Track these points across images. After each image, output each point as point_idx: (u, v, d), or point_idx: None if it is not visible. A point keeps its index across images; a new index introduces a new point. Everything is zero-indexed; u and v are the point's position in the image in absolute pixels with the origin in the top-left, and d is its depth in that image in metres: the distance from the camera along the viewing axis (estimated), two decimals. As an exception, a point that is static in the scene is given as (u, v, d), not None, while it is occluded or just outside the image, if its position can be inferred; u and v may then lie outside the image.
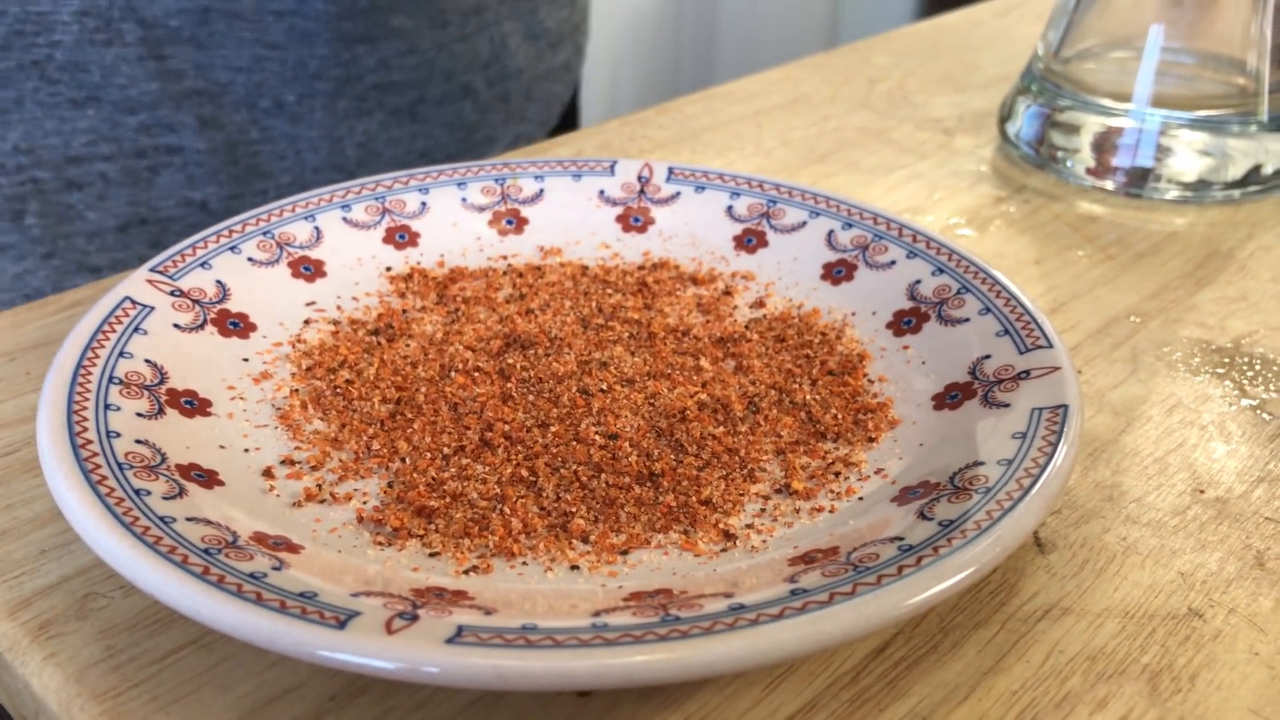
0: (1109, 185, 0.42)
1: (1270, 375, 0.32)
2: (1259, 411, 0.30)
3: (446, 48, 0.55)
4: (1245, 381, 0.31)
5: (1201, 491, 0.27)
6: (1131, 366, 0.32)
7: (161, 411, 0.26)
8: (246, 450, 0.26)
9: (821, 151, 0.45)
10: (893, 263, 0.32)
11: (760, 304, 0.33)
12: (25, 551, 0.25)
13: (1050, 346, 0.27)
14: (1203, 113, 0.42)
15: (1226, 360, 0.32)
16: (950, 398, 0.28)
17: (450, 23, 0.54)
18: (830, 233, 0.34)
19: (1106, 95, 0.42)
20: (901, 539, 0.22)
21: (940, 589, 0.20)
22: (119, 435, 0.25)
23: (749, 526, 0.25)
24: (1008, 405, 0.26)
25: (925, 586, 0.20)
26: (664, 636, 0.19)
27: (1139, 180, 0.42)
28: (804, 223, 0.35)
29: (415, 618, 0.20)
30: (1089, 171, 0.42)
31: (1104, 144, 0.42)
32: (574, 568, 0.24)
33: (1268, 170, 0.42)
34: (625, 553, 0.24)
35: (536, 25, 0.60)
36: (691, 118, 0.48)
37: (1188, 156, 0.42)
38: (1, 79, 0.45)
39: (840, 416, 0.28)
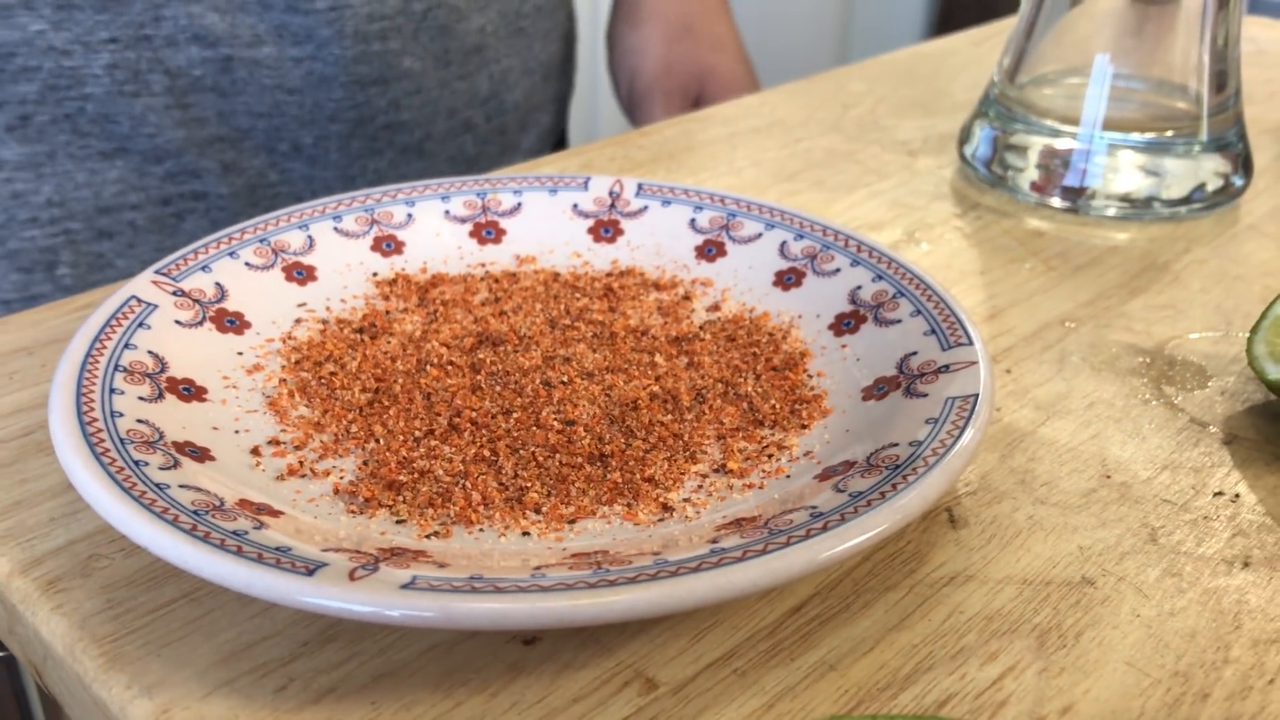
0: (1055, 202, 0.45)
1: (1186, 375, 0.34)
2: (1171, 407, 0.33)
3: (449, 86, 0.57)
4: (1162, 380, 0.34)
5: (1108, 476, 0.30)
6: (1058, 367, 0.34)
7: (161, 396, 0.29)
8: (237, 432, 0.29)
9: (790, 171, 0.48)
10: (838, 270, 0.35)
11: (716, 307, 0.36)
12: (37, 519, 0.28)
13: (970, 344, 0.30)
14: (1147, 135, 0.45)
15: (1147, 361, 0.35)
16: (878, 390, 0.30)
17: (453, 62, 0.57)
18: (783, 243, 0.37)
19: (1057, 119, 0.45)
20: (815, 508, 0.25)
21: (841, 549, 0.23)
22: (122, 415, 0.27)
23: (686, 500, 0.27)
24: (926, 395, 0.29)
25: (828, 547, 0.23)
26: (593, 585, 0.22)
27: (1083, 198, 0.44)
28: (760, 234, 0.37)
29: (376, 569, 0.23)
30: (1034, 188, 0.45)
31: (1050, 164, 0.45)
32: (525, 534, 0.26)
33: (1208, 189, 0.45)
34: (573, 522, 0.27)
35: (532, 60, 0.63)
36: (670, 140, 0.51)
37: (1131, 176, 0.44)
38: (35, 134, 0.48)
39: (778, 406, 0.31)
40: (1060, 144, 0.45)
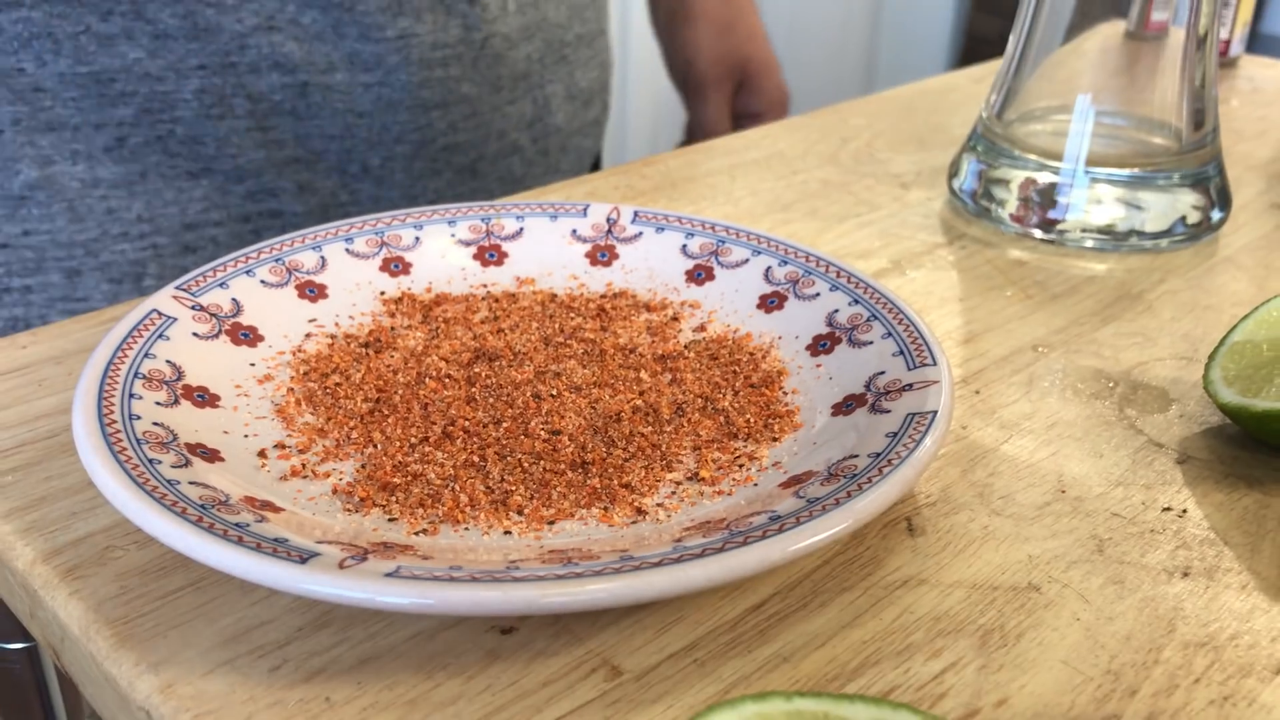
0: (1036, 234, 0.46)
1: (1148, 399, 0.36)
2: (1131, 428, 0.34)
3: (500, 110, 0.61)
4: (1125, 404, 0.36)
5: (1063, 491, 0.31)
6: (1026, 389, 0.36)
7: (177, 402, 0.31)
8: (246, 436, 0.31)
9: (785, 201, 0.50)
10: (817, 294, 0.37)
11: (702, 328, 0.38)
12: (59, 513, 0.30)
13: (934, 364, 0.32)
14: (1128, 170, 0.46)
15: (1113, 385, 0.37)
16: (846, 406, 0.32)
17: (504, 87, 0.60)
18: (768, 269, 0.39)
19: (1041, 154, 0.47)
20: (775, 512, 0.27)
21: (793, 550, 0.25)
22: (139, 418, 0.30)
23: (659, 505, 0.29)
24: (889, 411, 0.31)
25: (781, 547, 0.25)
26: (562, 576, 0.24)
27: (1064, 230, 0.46)
28: (746, 260, 0.39)
29: (364, 559, 0.25)
30: (1015, 219, 0.47)
31: (1032, 196, 0.47)
32: (507, 533, 0.28)
33: (1186, 222, 0.46)
34: (552, 523, 0.29)
35: (573, 86, 0.67)
36: (673, 170, 0.53)
37: (1112, 209, 0.46)
38: (129, 154, 0.51)
39: (753, 420, 0.33)
40: (1043, 178, 0.47)
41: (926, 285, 0.43)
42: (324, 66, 0.53)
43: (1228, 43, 0.70)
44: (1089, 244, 0.46)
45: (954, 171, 0.50)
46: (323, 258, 0.39)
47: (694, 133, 0.79)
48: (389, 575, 0.24)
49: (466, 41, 0.57)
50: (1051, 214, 0.46)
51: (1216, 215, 0.47)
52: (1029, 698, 0.25)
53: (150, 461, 0.28)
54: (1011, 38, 0.48)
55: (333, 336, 0.37)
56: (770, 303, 0.38)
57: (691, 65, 0.77)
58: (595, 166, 0.74)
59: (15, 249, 0.51)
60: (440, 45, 0.56)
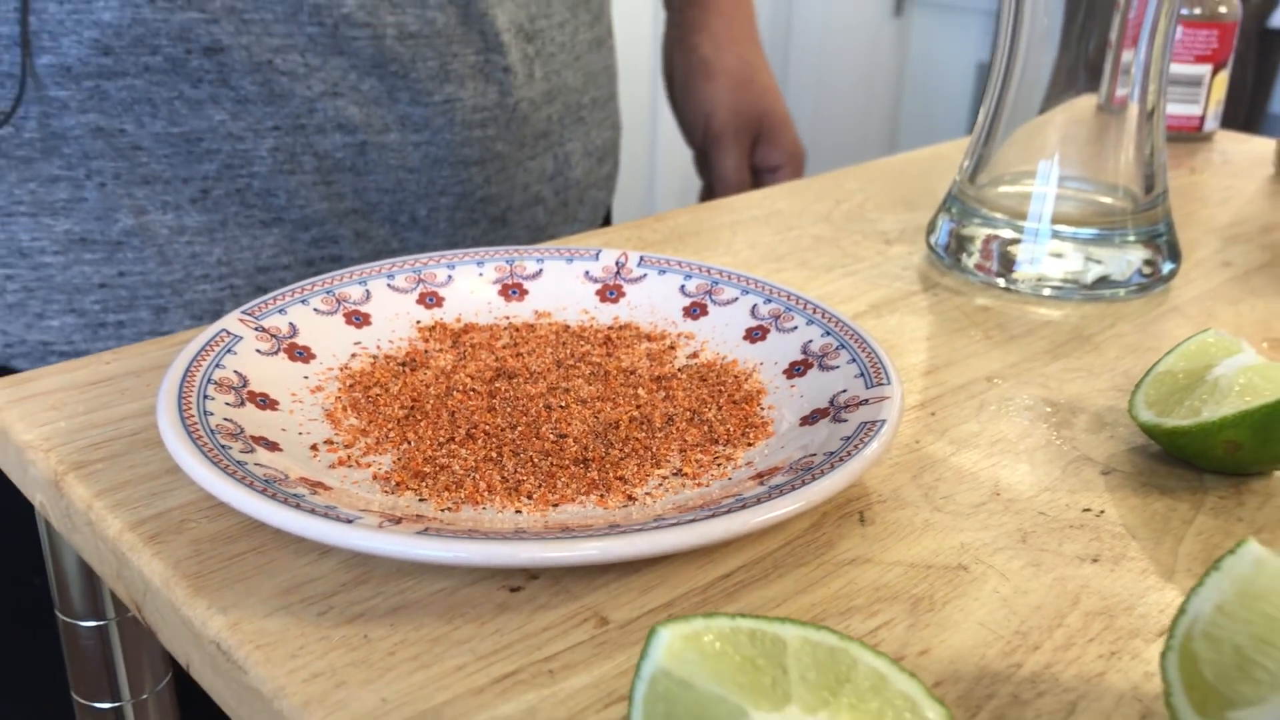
0: (1001, 283, 0.52)
1: (1084, 422, 0.41)
2: (1064, 445, 0.39)
3: (524, 165, 0.67)
4: (1062, 426, 0.41)
5: (998, 494, 0.36)
6: (977, 412, 0.41)
7: (243, 404, 0.37)
8: (300, 433, 0.37)
9: (779, 254, 0.55)
10: (795, 328, 0.43)
11: (695, 355, 0.43)
12: (141, 493, 0.35)
13: (888, 384, 0.37)
14: (1086, 228, 0.52)
15: (1053, 411, 0.42)
16: (811, 418, 0.37)
17: (529, 145, 0.67)
18: (754, 306, 0.44)
19: (1008, 213, 0.53)
20: (740, 496, 0.32)
21: (753, 523, 0.30)
22: (212, 414, 0.35)
23: (647, 494, 0.35)
24: (846, 420, 0.36)
25: (743, 520, 0.30)
26: (560, 538, 0.29)
27: (1028, 281, 0.51)
28: (736, 298, 0.45)
29: (398, 523, 0.30)
30: (983, 270, 0.52)
31: (1000, 251, 0.52)
32: (518, 512, 0.33)
33: (1137, 274, 0.52)
34: (556, 505, 0.34)
35: (589, 144, 0.73)
36: (680, 225, 0.59)
37: (1071, 262, 0.52)
38: (212, 205, 0.57)
39: (732, 430, 0.38)
40: (1006, 234, 0.52)
41: (899, 326, 0.48)
42: (380, 128, 0.60)
43: (1202, 119, 0.76)
44: (1045, 292, 0.51)
45: (931, 229, 0.56)
46: (368, 291, 0.45)
47: (715, 185, 0.84)
48: (419, 534, 0.29)
49: (500, 105, 0.63)
50: (1020, 268, 0.52)
51: (1167, 268, 0.52)
52: (948, 649, 0.30)
53: (223, 447, 0.33)
54: (981, 110, 0.54)
55: (374, 357, 0.43)
56: (755, 334, 0.43)
57: (711, 118, 0.82)
58: (607, 219, 0.80)
59: (112, 288, 0.57)
60: (479, 109, 0.63)
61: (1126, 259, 0.52)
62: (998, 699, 0.28)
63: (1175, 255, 0.53)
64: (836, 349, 0.40)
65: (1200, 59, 0.74)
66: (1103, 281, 0.52)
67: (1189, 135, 0.77)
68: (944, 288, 0.52)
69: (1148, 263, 0.52)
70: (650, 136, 2.34)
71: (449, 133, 0.62)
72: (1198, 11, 0.74)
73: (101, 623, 0.43)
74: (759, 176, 0.85)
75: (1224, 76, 0.76)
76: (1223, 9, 0.74)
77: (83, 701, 0.45)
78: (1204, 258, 0.57)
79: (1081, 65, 0.52)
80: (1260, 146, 0.76)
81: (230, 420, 0.35)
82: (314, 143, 0.59)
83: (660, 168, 2.34)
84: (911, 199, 0.64)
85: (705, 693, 0.23)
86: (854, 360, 0.39)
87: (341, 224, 0.61)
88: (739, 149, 0.83)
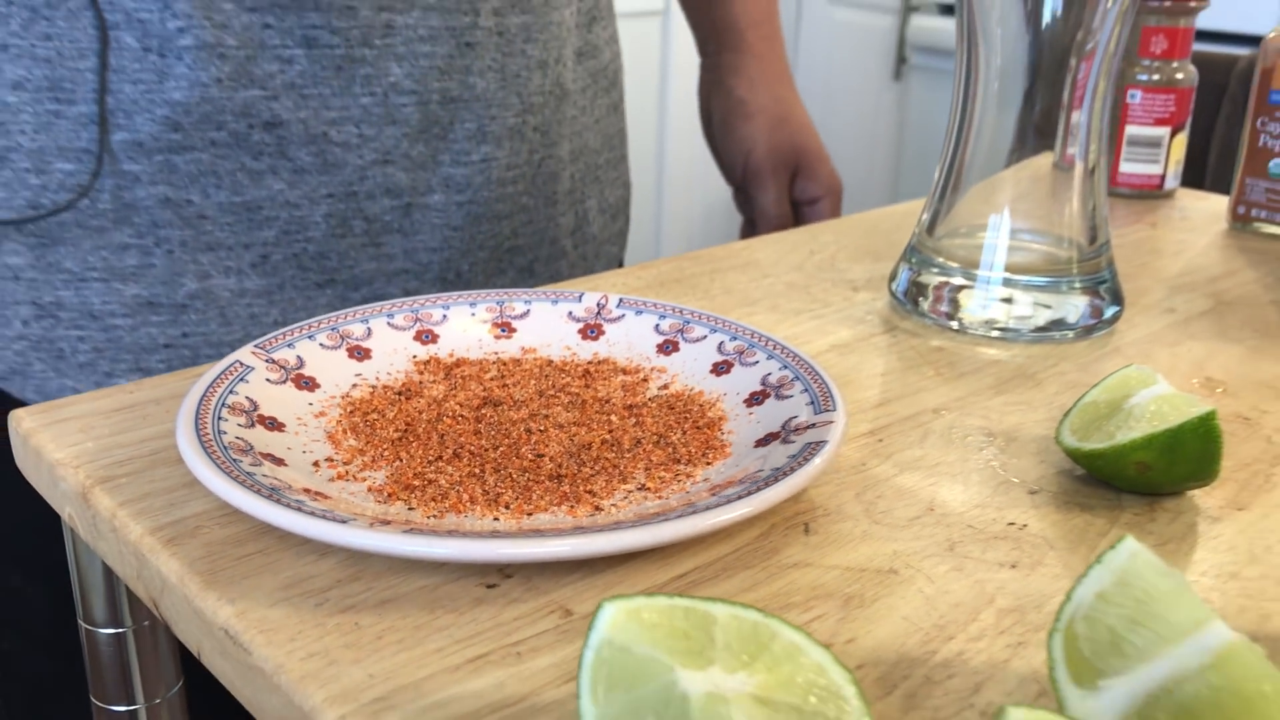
0: (954, 326, 0.56)
1: (1018, 449, 0.45)
2: (997, 469, 0.43)
3: (553, 220, 0.72)
4: (998, 452, 0.44)
5: (932, 509, 0.40)
6: (921, 439, 0.45)
7: (253, 425, 0.41)
8: (304, 451, 0.41)
9: (753, 299, 0.60)
10: (757, 362, 0.47)
11: (665, 387, 0.47)
12: (160, 503, 0.40)
13: (834, 410, 0.41)
14: (1035, 276, 0.56)
15: (991, 439, 0.45)
16: (765, 440, 0.41)
17: (554, 201, 0.72)
18: (721, 343, 0.48)
19: (962, 262, 0.57)
20: (693, 504, 0.36)
21: (702, 526, 0.34)
22: (225, 433, 0.40)
23: (613, 505, 0.38)
24: (794, 441, 0.40)
25: (692, 524, 0.34)
26: (530, 536, 0.33)
27: (980, 325, 0.56)
28: (705, 336, 0.49)
29: (387, 524, 0.34)
30: (932, 311, 0.56)
31: (949, 296, 0.56)
32: (496, 519, 0.37)
33: (1082, 318, 0.56)
34: (530, 514, 0.38)
35: (604, 201, 0.79)
36: (664, 273, 0.63)
37: (1021, 307, 0.56)
38: (271, 269, 0.62)
39: (694, 451, 0.42)
40: (962, 281, 0.56)
41: (858, 364, 0.52)
42: (424, 189, 0.65)
43: (1162, 177, 0.80)
44: (993, 334, 0.55)
45: (893, 277, 0.60)
46: (369, 328, 0.49)
47: (757, 220, 0.88)
48: (406, 533, 0.33)
49: (529, 163, 0.69)
50: (972, 312, 0.56)
51: (1110, 312, 0.56)
52: (872, 639, 0.33)
53: (234, 460, 0.38)
54: (937, 169, 0.58)
55: (373, 387, 0.47)
56: (720, 368, 0.47)
57: (751, 155, 0.87)
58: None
59: (176, 348, 0.61)
60: (512, 166, 0.68)
61: (1072, 304, 0.56)
62: (912, 679, 0.32)
63: (1118, 300, 0.57)
64: (792, 380, 0.44)
65: (1159, 121, 0.79)
66: (1051, 325, 0.56)
67: (1151, 193, 0.81)
68: (903, 330, 0.56)
69: (1092, 307, 0.56)
70: (656, 195, 2.40)
71: (486, 190, 0.66)
72: (1156, 78, 0.79)
73: (120, 630, 0.47)
74: (799, 210, 0.89)
75: (1182, 138, 0.80)
76: (1180, 75, 0.79)
77: (100, 705, 0.49)
78: (1150, 304, 0.61)
79: (1031, 127, 0.56)
80: (1217, 204, 0.81)
81: (241, 439, 0.40)
82: (364, 208, 0.63)
83: (666, 226, 2.40)
84: (880, 251, 0.68)
85: (641, 656, 0.27)
86: (806, 390, 0.43)
87: (390, 282, 0.65)
88: (779, 184, 0.87)
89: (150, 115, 0.57)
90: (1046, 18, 0.54)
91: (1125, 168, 0.81)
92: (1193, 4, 0.78)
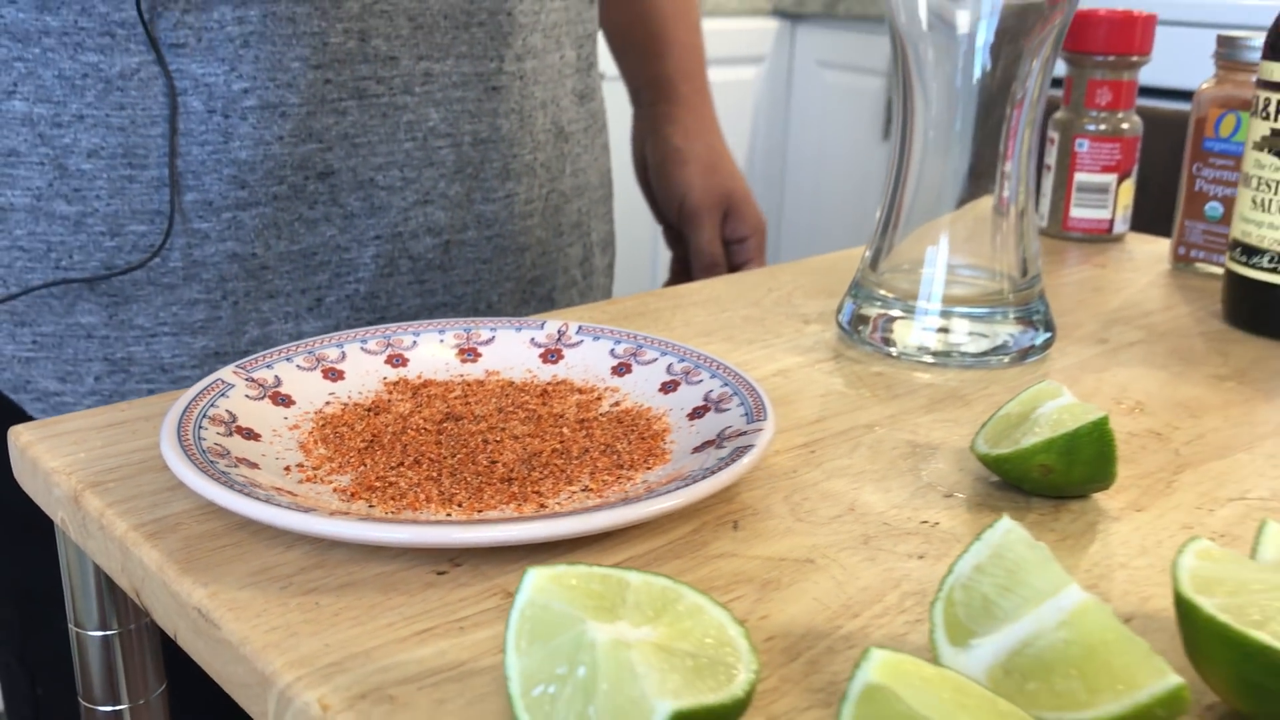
0: (893, 352, 0.60)
1: (940, 459, 0.48)
2: (918, 476, 0.47)
3: (564, 251, 0.78)
4: (921, 462, 0.48)
5: (852, 509, 0.44)
6: (851, 450, 0.49)
7: (230, 435, 0.45)
8: (277, 459, 0.45)
9: (710, 330, 0.64)
10: (701, 380, 0.50)
11: (617, 404, 0.51)
12: (144, 504, 0.43)
13: (765, 420, 0.45)
14: (971, 307, 0.60)
15: (916, 452, 0.49)
16: (701, 448, 0.45)
17: (564, 232, 0.77)
18: (670, 364, 0.52)
19: (901, 294, 0.61)
20: (628, 498, 0.39)
21: (632, 516, 0.38)
22: (205, 439, 0.43)
23: (557, 503, 0.42)
24: (725, 447, 0.43)
25: (623, 514, 0.38)
26: (475, 524, 0.37)
27: (918, 351, 0.59)
28: (656, 359, 0.53)
29: (346, 515, 0.38)
30: (872, 339, 0.60)
31: (886, 324, 0.60)
32: (448, 515, 0.41)
33: (1015, 345, 0.59)
34: (480, 510, 0.41)
35: (599, 234, 0.85)
36: (629, 309, 0.67)
37: (957, 336, 0.59)
38: (325, 311, 0.66)
39: (636, 458, 0.45)
40: (899, 312, 0.60)
41: (801, 387, 0.56)
42: (460, 227, 0.69)
43: (1111, 222, 0.85)
44: (928, 360, 0.59)
45: (839, 309, 0.64)
46: (344, 352, 0.53)
47: (691, 258, 0.93)
48: (363, 520, 0.37)
49: (540, 197, 0.74)
50: (912, 340, 0.60)
51: (1041, 339, 0.60)
52: (784, 616, 0.37)
53: (211, 462, 0.41)
54: (879, 209, 0.62)
55: (345, 404, 0.50)
56: (668, 387, 0.51)
57: (686, 199, 0.93)
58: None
59: None
60: (528, 200, 0.73)
61: (1006, 332, 0.60)
62: (815, 650, 0.35)
63: (1050, 328, 0.61)
64: (731, 395, 0.48)
65: (1106, 169, 0.83)
66: (987, 351, 0.59)
67: (1101, 236, 0.85)
68: (847, 358, 0.60)
69: (1024, 335, 0.60)
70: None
71: (510, 224, 0.71)
72: (1103, 128, 0.83)
73: (108, 633, 0.51)
74: (728, 248, 0.94)
75: (1129, 184, 0.84)
76: (1125, 125, 0.83)
77: (88, 705, 0.52)
78: (1084, 335, 0.64)
79: (968, 173, 0.61)
80: (1163, 246, 0.85)
81: (219, 445, 0.43)
82: (409, 247, 0.68)
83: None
84: (835, 288, 0.72)
85: (557, 611, 0.30)
86: (743, 404, 0.47)
87: (432, 317, 0.70)
88: (712, 225, 0.93)
89: (218, 175, 0.61)
90: (977, 72, 0.59)
91: (1075, 213, 0.85)
92: (1135, 59, 0.83)
